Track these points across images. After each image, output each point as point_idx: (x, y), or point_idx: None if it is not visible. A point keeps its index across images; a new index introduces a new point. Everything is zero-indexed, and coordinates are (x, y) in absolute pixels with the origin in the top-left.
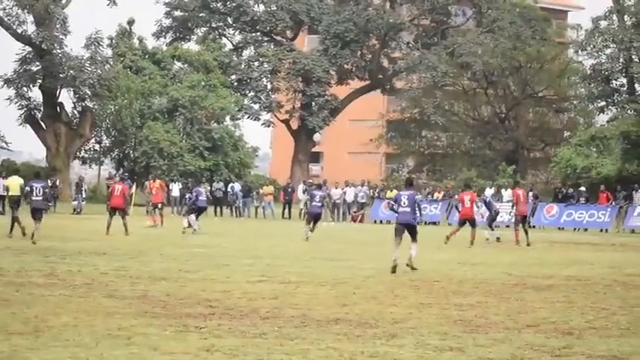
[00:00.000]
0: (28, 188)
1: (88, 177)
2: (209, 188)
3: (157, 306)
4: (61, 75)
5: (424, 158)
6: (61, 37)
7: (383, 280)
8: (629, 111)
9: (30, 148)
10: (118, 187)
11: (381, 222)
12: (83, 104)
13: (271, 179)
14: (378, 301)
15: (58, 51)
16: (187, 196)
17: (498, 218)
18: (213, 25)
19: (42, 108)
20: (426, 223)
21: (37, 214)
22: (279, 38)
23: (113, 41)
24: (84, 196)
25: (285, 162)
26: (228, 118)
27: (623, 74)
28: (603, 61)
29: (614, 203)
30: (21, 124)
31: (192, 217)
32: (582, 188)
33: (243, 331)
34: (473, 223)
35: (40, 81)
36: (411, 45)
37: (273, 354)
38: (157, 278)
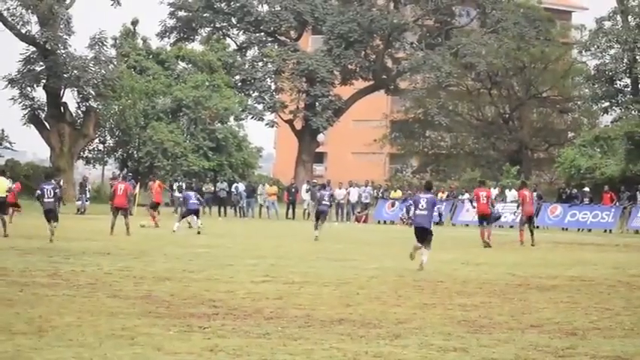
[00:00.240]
0: (39, 191)
1: (92, 177)
2: (212, 188)
3: (160, 306)
4: (65, 75)
5: (428, 158)
6: (65, 37)
7: (387, 280)
8: (633, 111)
9: (34, 148)
10: (120, 186)
11: (384, 222)
12: (87, 104)
13: (275, 179)
14: (382, 302)
15: (62, 51)
16: (179, 196)
17: (502, 219)
18: (217, 25)
19: (46, 108)
20: None
21: (50, 215)
22: (283, 38)
23: (117, 41)
24: (88, 196)
25: (289, 162)
26: (232, 118)
27: (627, 75)
28: (607, 61)
29: (618, 204)
30: (25, 124)
31: (191, 217)
32: (586, 189)
33: (246, 331)
34: (488, 220)
35: (44, 81)
36: (414, 45)
37: (277, 354)
38: (160, 278)
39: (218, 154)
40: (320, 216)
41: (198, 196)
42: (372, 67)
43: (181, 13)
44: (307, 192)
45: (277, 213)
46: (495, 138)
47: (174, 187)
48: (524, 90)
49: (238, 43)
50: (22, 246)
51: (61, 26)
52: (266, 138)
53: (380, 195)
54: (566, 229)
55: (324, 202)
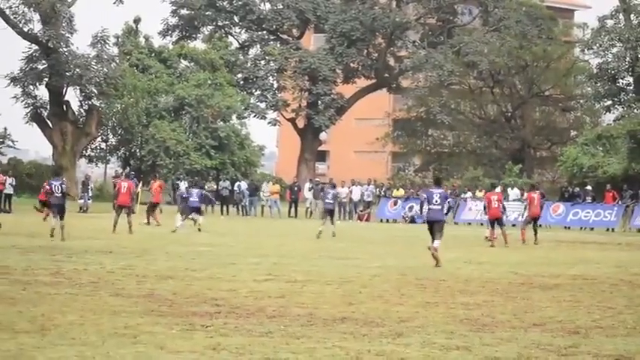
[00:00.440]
0: (47, 186)
1: (95, 175)
2: (215, 187)
3: (163, 304)
4: (67, 73)
5: (430, 157)
6: (67, 35)
7: (389, 278)
8: (635, 110)
9: (36, 146)
10: (124, 184)
11: (387, 221)
12: (89, 103)
13: (277, 178)
14: (385, 300)
15: (65, 49)
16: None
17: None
18: (220, 23)
19: (48, 106)
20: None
21: (58, 210)
22: (285, 37)
23: (119, 40)
24: (90, 194)
25: (292, 161)
26: (234, 116)
27: (630, 73)
28: (610, 59)
29: (620, 202)
30: (27, 122)
31: (194, 215)
32: (588, 187)
33: (249, 330)
34: (501, 223)
35: (46, 79)
36: (417, 44)
37: (280, 353)
38: (163, 277)
39: (220, 152)
40: (329, 214)
41: (204, 193)
42: (375, 66)
43: (184, 12)
44: (310, 190)
45: (279, 211)
46: (498, 136)
47: (179, 185)
48: (526, 88)
49: (240, 42)
50: (24, 244)
51: (64, 24)
52: (268, 136)
53: (382, 193)
54: (569, 227)
55: (327, 201)
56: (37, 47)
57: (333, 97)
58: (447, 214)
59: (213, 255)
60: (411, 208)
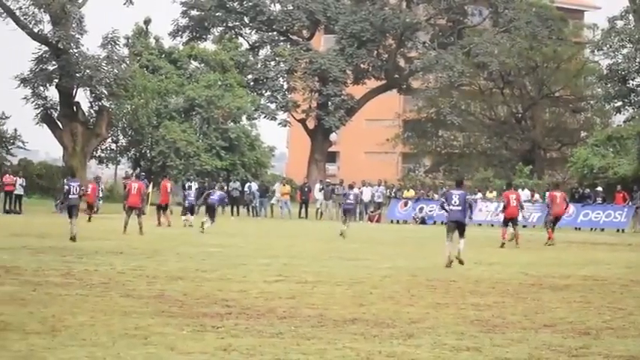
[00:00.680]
0: (66, 187)
1: (105, 176)
2: (225, 188)
3: (173, 305)
4: (77, 74)
5: (441, 158)
6: (77, 36)
7: (400, 279)
8: None
9: (46, 147)
10: (134, 185)
11: (397, 222)
12: (100, 104)
13: (288, 179)
14: (395, 301)
15: (75, 50)
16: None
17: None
18: (230, 24)
19: (58, 107)
20: (442, 222)
21: (73, 211)
22: (295, 38)
23: (129, 40)
24: (101, 195)
25: (302, 162)
26: (244, 117)
27: None
28: (620, 60)
29: (630, 203)
30: (37, 123)
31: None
32: (599, 188)
33: (260, 331)
34: (515, 222)
35: (56, 80)
36: (427, 45)
37: (290, 354)
38: (173, 278)
39: (231, 153)
40: (346, 214)
41: (222, 194)
42: (385, 67)
43: (194, 13)
44: (320, 191)
45: (290, 212)
46: (508, 137)
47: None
48: (536, 89)
49: (251, 43)
50: (35, 245)
51: (74, 25)
52: (278, 137)
53: (393, 194)
54: (579, 228)
55: (348, 201)
56: (47, 48)
57: (344, 98)
58: (468, 216)
59: (224, 256)
60: (421, 209)
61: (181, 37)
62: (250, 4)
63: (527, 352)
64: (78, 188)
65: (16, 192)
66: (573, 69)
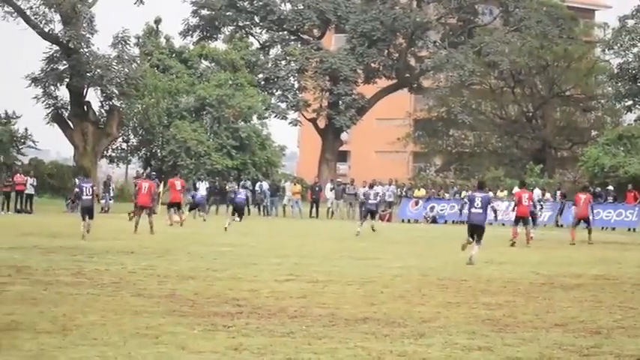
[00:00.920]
0: (77, 189)
1: (116, 176)
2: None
3: (184, 305)
4: (88, 74)
5: (451, 157)
6: (88, 35)
7: (411, 279)
8: None
9: (57, 147)
10: (145, 184)
11: (408, 221)
12: (110, 103)
13: (298, 178)
14: (406, 300)
15: (85, 50)
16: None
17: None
18: (240, 23)
19: (69, 107)
20: (453, 222)
21: (87, 212)
22: (306, 37)
23: (140, 40)
24: (111, 195)
25: (313, 161)
26: (255, 116)
27: None
28: (630, 59)
29: None
30: (48, 122)
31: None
32: (610, 187)
33: (271, 330)
34: (526, 222)
35: (67, 80)
36: (437, 44)
37: (301, 353)
38: (184, 277)
39: (241, 152)
40: (368, 214)
41: (248, 193)
42: (395, 66)
43: (204, 12)
44: (331, 191)
45: (301, 212)
46: (519, 136)
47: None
48: (547, 88)
49: (261, 42)
50: (46, 245)
51: (84, 25)
52: (289, 137)
53: (404, 194)
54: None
55: (370, 201)
56: (57, 48)
57: (354, 97)
58: (492, 218)
59: (235, 255)
60: (432, 208)
61: (192, 37)
62: (261, 3)
63: (538, 351)
64: (90, 189)
65: (27, 191)
66: (584, 68)
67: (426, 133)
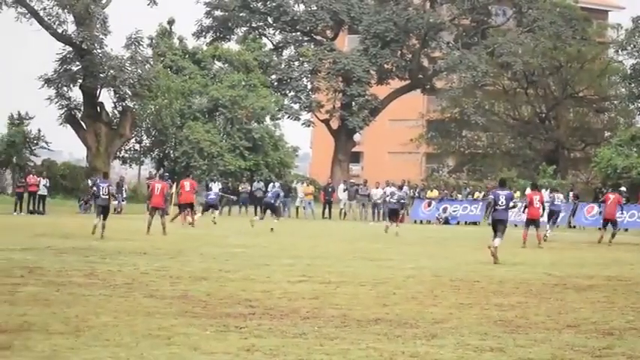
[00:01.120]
0: (95, 188)
1: (129, 177)
2: (249, 188)
3: (197, 306)
4: (101, 75)
5: (464, 158)
6: (101, 36)
7: (423, 280)
8: None
9: (70, 147)
10: (158, 185)
11: (421, 222)
12: (123, 104)
13: (311, 179)
14: (418, 302)
15: (99, 51)
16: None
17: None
18: (254, 24)
19: (82, 108)
20: (466, 223)
21: (102, 211)
22: (319, 38)
23: (153, 41)
24: (124, 195)
25: (326, 162)
26: (268, 117)
27: None
28: None
29: None
30: (61, 123)
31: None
32: (623, 188)
33: (283, 331)
34: (537, 224)
35: (80, 81)
36: (451, 45)
37: (314, 354)
38: (197, 278)
39: (254, 153)
40: (391, 214)
41: (277, 190)
42: (408, 67)
43: (217, 13)
44: (344, 192)
45: (313, 213)
46: (532, 137)
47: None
48: (560, 89)
49: (274, 43)
50: (59, 245)
51: (98, 26)
52: (302, 138)
53: (416, 195)
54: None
55: (392, 200)
56: (71, 49)
57: (367, 98)
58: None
59: (247, 256)
60: (445, 209)
61: (205, 38)
62: (274, 4)
63: (550, 352)
64: (107, 189)
65: (39, 192)
66: (597, 69)
67: (438, 134)
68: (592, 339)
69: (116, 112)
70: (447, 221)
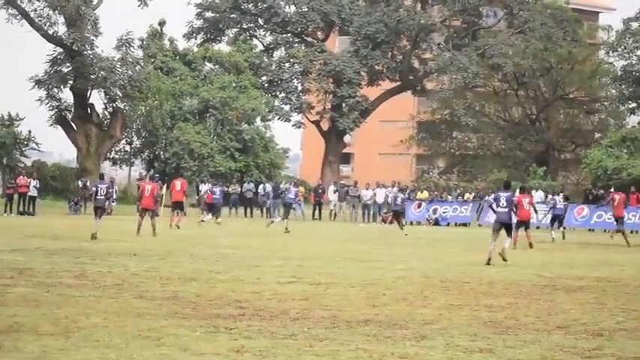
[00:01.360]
0: (94, 188)
1: (119, 178)
2: (239, 189)
3: (187, 307)
4: (91, 76)
5: (455, 159)
6: (91, 38)
7: (413, 281)
8: None
9: (60, 149)
10: (148, 187)
11: (411, 223)
12: (114, 105)
13: (302, 180)
14: (408, 303)
15: (89, 52)
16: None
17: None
18: (244, 26)
19: (73, 109)
20: (456, 224)
21: (99, 211)
22: (310, 39)
23: (144, 42)
24: (114, 197)
25: (316, 163)
26: (258, 119)
27: None
28: (634, 62)
29: None
30: (52, 124)
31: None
32: (613, 189)
33: (273, 332)
34: (527, 226)
35: (70, 82)
36: (441, 46)
37: (303, 355)
38: (187, 279)
39: (245, 154)
40: (397, 216)
41: (297, 191)
42: (399, 68)
43: (208, 14)
44: (334, 193)
45: (303, 214)
46: (522, 139)
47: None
48: (551, 91)
49: (265, 44)
50: (49, 247)
51: (88, 27)
52: (292, 139)
53: (406, 196)
54: (593, 230)
55: (397, 202)
56: (61, 50)
57: (358, 99)
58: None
59: (237, 257)
60: (435, 210)
61: (196, 39)
62: (265, 5)
63: (539, 353)
64: (105, 190)
65: (29, 193)
66: (588, 70)
67: (429, 136)
68: (582, 340)
69: (106, 113)
70: (437, 222)
